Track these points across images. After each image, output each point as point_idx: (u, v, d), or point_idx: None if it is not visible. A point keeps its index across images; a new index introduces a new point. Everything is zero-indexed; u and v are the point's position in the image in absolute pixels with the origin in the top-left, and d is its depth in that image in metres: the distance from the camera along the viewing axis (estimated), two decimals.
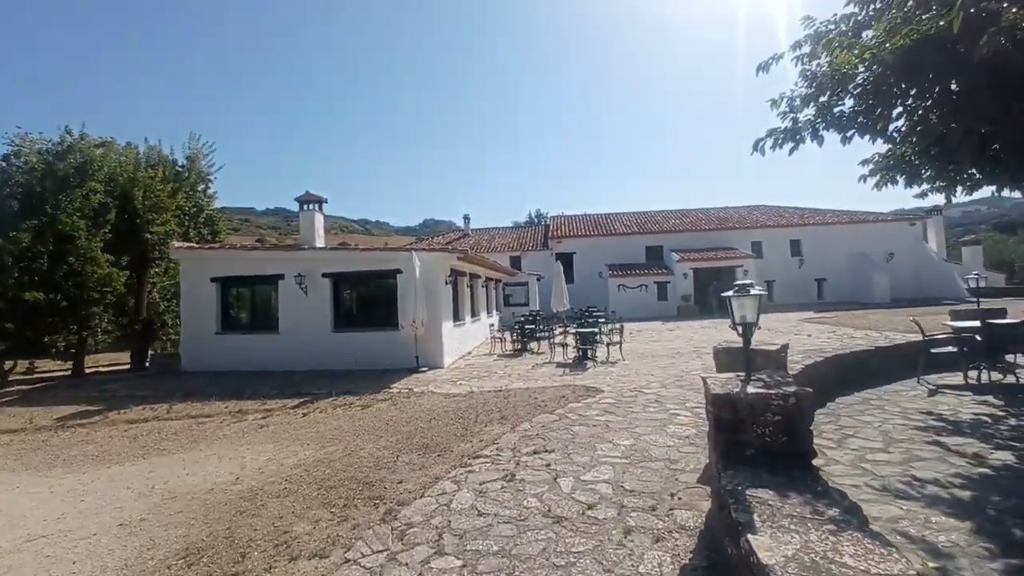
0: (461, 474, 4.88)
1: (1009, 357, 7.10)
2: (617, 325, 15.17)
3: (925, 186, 7.26)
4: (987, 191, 7.35)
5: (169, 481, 5.48)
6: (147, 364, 14.69)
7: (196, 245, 14.71)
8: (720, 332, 17.04)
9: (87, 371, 18.60)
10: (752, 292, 3.07)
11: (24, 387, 13.84)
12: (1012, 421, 5.65)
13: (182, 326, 14.11)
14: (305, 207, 14.42)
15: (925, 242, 30.60)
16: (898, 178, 7.32)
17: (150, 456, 6.56)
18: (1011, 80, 3.70)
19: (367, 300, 13.50)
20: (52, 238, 11.95)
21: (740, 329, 3.19)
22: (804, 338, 14.18)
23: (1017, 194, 7.32)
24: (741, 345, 3.29)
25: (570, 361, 12.35)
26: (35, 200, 11.97)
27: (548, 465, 4.93)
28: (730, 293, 3.19)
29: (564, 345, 13.23)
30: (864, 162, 7.70)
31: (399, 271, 12.18)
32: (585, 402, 7.65)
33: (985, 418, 5.81)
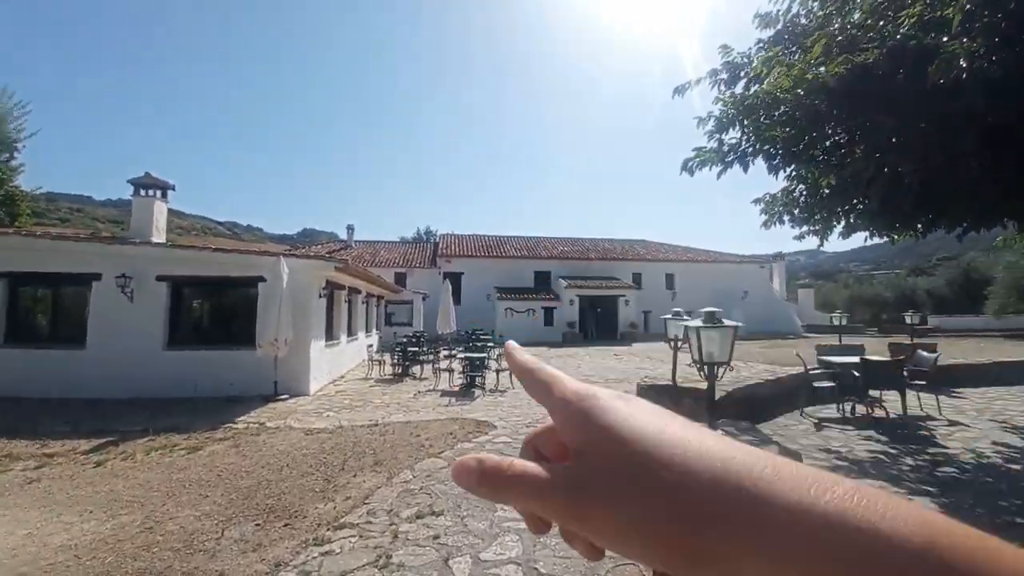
0: (314, 558, 3.54)
1: (874, 392, 7.55)
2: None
3: (804, 228, 7.59)
4: (812, 242, 7.88)
5: None
6: None
7: None
8: (607, 360, 17.20)
9: None
10: (724, 324, 2.37)
11: None
12: (909, 460, 5.77)
13: None
14: (143, 192, 11.64)
15: (771, 283, 34.84)
16: (785, 218, 7.55)
17: None
18: (954, 121, 3.61)
19: (216, 312, 11.16)
20: None
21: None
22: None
23: (828, 247, 7.98)
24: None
25: (456, 389, 11.28)
26: None
27: (436, 537, 3.78)
28: (693, 323, 2.44)
29: (450, 371, 12.13)
30: (756, 201, 7.87)
31: (261, 279, 10.21)
32: (477, 441, 6.62)
33: (881, 456, 5.89)
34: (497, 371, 11.74)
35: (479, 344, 15.18)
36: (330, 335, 12.75)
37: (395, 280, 26.14)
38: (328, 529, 3.97)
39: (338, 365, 13.29)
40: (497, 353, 13.81)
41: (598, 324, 27.98)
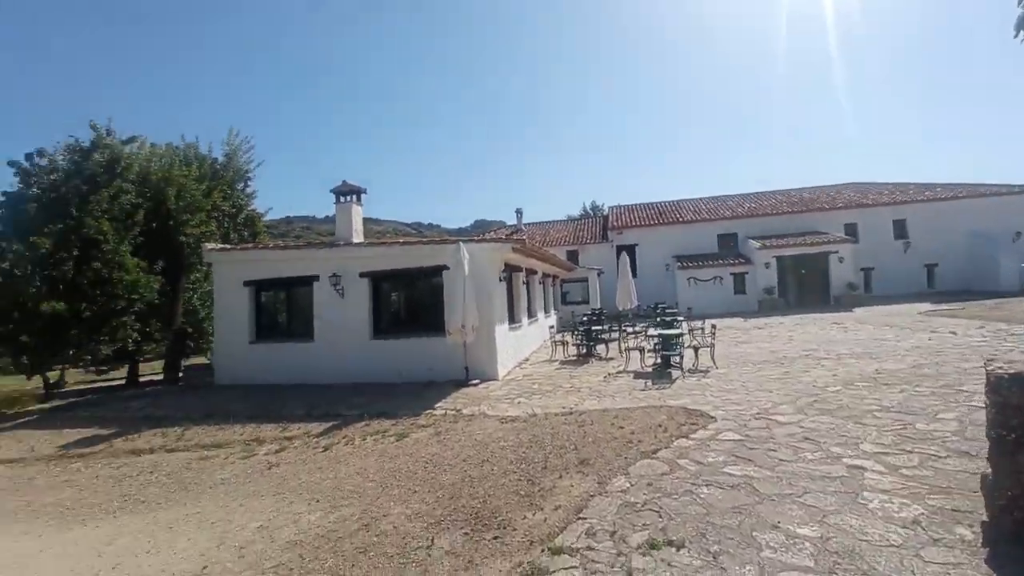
0: None
1: None
2: (700, 324, 12.78)
3: None
4: None
5: (120, 565, 3.86)
6: (180, 376, 13.81)
7: (227, 246, 13.63)
8: (828, 330, 14.20)
9: (141, 381, 18.27)
10: None
11: (61, 401, 13.24)
12: None
13: (215, 335, 13.04)
14: (341, 199, 12.97)
15: None
16: None
17: (123, 513, 5.03)
18: None
19: (410, 302, 11.84)
20: (77, 242, 11.10)
21: None
22: (949, 336, 11.22)
23: None
24: None
25: (648, 369, 10.14)
26: (59, 201, 11.16)
27: None
28: None
29: (640, 350, 11.01)
30: None
31: (445, 267, 10.41)
32: (697, 438, 5.47)
33: None
34: (695, 348, 10.26)
35: (667, 319, 13.72)
36: (512, 318, 12.66)
37: (567, 258, 25.70)
38: (543, 550, 3.32)
39: (522, 348, 13.19)
40: (689, 327, 12.25)
41: (802, 288, 23.81)
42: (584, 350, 12.92)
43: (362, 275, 11.27)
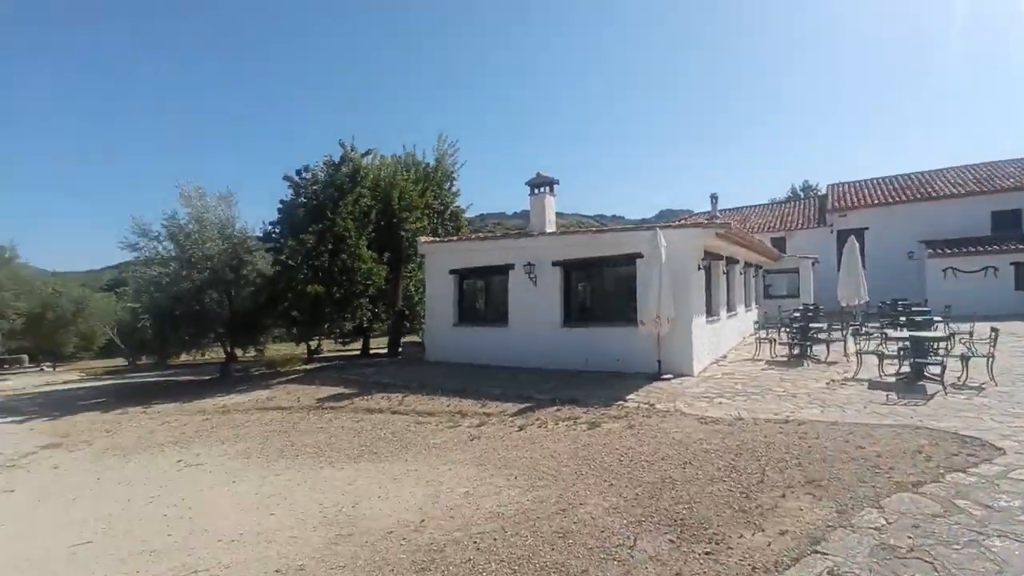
0: None
1: None
2: (969, 327, 9.97)
3: None
4: None
5: (359, 504, 4.53)
6: (399, 351, 16.04)
7: (436, 239, 15.31)
8: None
9: (371, 352, 21.87)
10: None
11: (320, 364, 16.50)
12: None
13: (426, 317, 14.78)
14: (535, 191, 13.48)
15: None
16: None
17: (361, 460, 5.95)
18: None
19: (601, 291, 11.68)
20: (331, 239, 13.70)
21: None
22: None
23: None
24: None
25: (890, 380, 8.23)
26: (319, 207, 13.93)
27: None
28: None
29: (878, 355, 8.99)
30: None
31: (639, 255, 9.99)
32: (980, 474, 4.17)
33: None
34: (964, 358, 7.98)
35: (916, 320, 11.01)
36: (710, 310, 11.62)
37: (771, 245, 22.67)
38: None
39: (719, 343, 12.01)
40: (950, 332, 9.62)
41: None
42: (797, 350, 11.16)
43: (554, 264, 11.51)
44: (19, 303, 19.64)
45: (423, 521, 4.05)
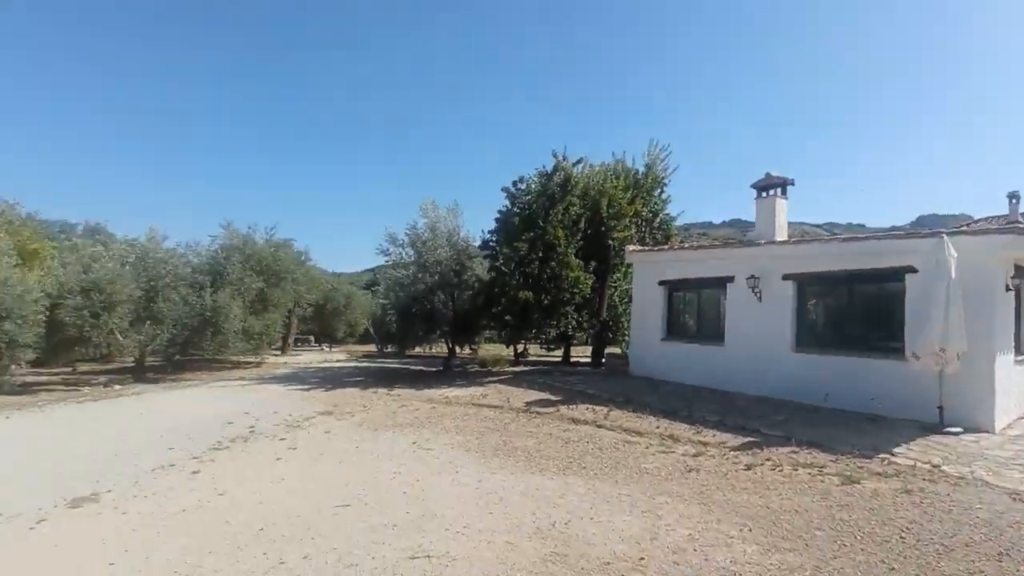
0: None
1: None
2: None
3: None
4: None
5: (571, 522, 4.38)
6: (602, 362, 15.81)
7: (645, 247, 14.69)
8: None
9: (572, 360, 22.24)
10: None
11: (526, 367, 17.35)
12: None
13: (631, 329, 14.28)
14: (763, 194, 11.85)
15: None
16: None
17: (569, 472, 5.85)
18: None
19: (850, 312, 9.61)
20: (541, 247, 14.29)
21: None
22: None
23: None
24: None
25: None
26: (532, 216, 14.68)
27: None
28: None
29: None
30: None
31: (910, 269, 7.92)
32: None
33: None
34: None
35: None
36: (1020, 347, 8.62)
37: None
38: None
39: None
40: None
41: None
42: None
43: (785, 277, 9.92)
44: (310, 296, 25.46)
45: (642, 559, 3.68)
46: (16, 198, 19.62)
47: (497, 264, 15.50)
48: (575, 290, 14.33)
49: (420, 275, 15.76)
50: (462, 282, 16.84)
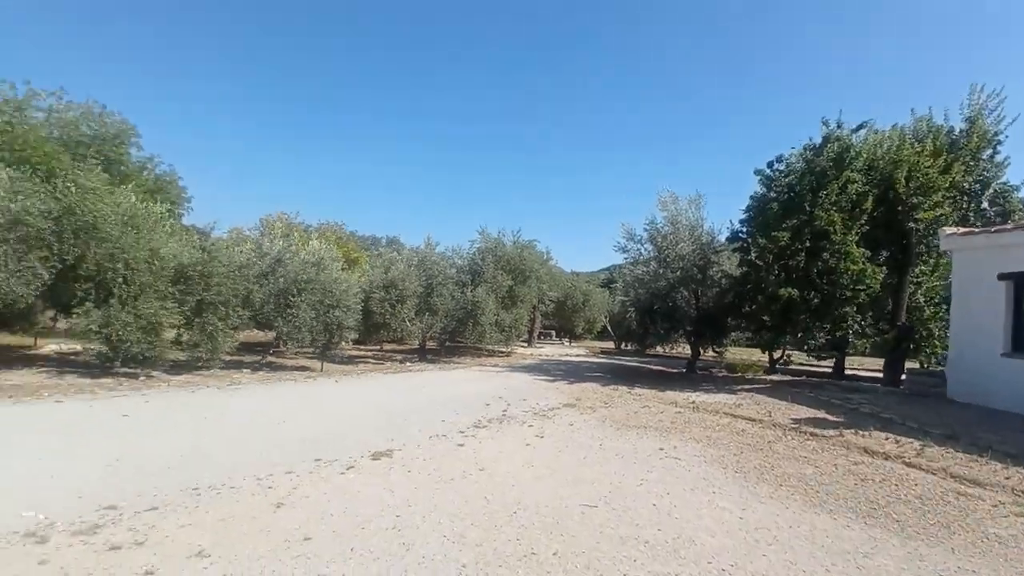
0: None
1: None
2: None
3: None
4: None
5: None
6: (901, 380, 12.32)
7: (974, 229, 10.85)
8: None
9: (846, 373, 18.29)
10: None
11: (785, 376, 14.88)
12: None
13: (950, 339, 10.76)
14: None
15: None
16: None
17: (873, 523, 4.49)
18: None
19: None
20: (808, 235, 11.93)
21: None
22: None
23: None
24: None
25: None
26: (794, 200, 12.36)
27: None
28: None
29: None
30: None
31: None
32: None
33: None
34: None
35: None
36: None
37: None
38: None
39: None
40: None
41: None
42: None
43: None
44: (551, 292, 27.11)
45: None
46: (342, 220, 26.03)
47: (749, 258, 13.66)
48: (859, 287, 11.54)
49: (661, 271, 15.01)
50: (707, 278, 15.43)
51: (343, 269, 17.66)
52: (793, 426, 8.15)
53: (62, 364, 11.57)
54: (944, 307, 15.77)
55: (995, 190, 13.02)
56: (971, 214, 12.91)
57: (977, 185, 13.00)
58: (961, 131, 13.12)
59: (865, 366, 21.98)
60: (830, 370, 19.02)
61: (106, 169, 20.18)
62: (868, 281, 11.45)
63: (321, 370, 14.03)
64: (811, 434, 7.69)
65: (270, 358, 16.27)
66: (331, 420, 7.73)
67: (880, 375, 13.96)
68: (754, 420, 8.63)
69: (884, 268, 12.04)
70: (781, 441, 7.30)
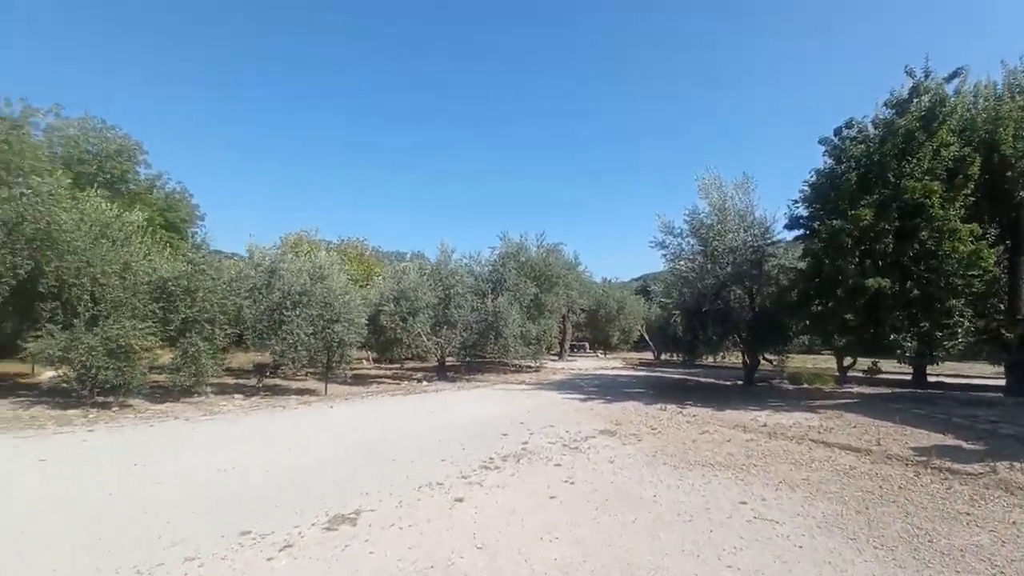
0: None
1: None
2: None
3: None
4: None
5: None
6: None
7: None
8: None
9: (942, 382, 15.53)
10: None
11: (865, 389, 12.44)
12: None
13: None
14: None
15: None
16: None
17: None
18: None
19: None
20: (896, 211, 9.65)
21: None
22: None
23: None
24: None
25: None
26: (873, 171, 10.11)
27: None
28: None
29: None
30: None
31: None
32: None
33: None
34: None
35: None
36: None
37: None
38: None
39: None
40: None
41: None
42: None
43: None
44: (582, 300, 25.09)
45: None
46: (364, 236, 24.88)
47: (815, 247, 11.38)
48: (970, 272, 9.16)
49: (709, 267, 12.86)
50: (763, 274, 13.19)
51: (360, 285, 16.26)
52: (919, 459, 5.95)
53: (48, 394, 10.28)
54: None
55: None
56: None
57: None
58: None
59: (949, 372, 18.88)
60: (912, 378, 16.31)
61: (112, 187, 19.60)
62: (984, 265, 9.05)
63: (325, 393, 12.48)
64: (949, 471, 5.50)
65: (276, 380, 14.90)
66: (300, 463, 6.01)
67: (1002, 385, 11.33)
68: (860, 451, 6.46)
69: (997, 249, 9.63)
70: (914, 485, 5.14)
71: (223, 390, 12.52)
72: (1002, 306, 10.64)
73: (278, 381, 14.90)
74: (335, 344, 11.66)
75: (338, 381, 12.66)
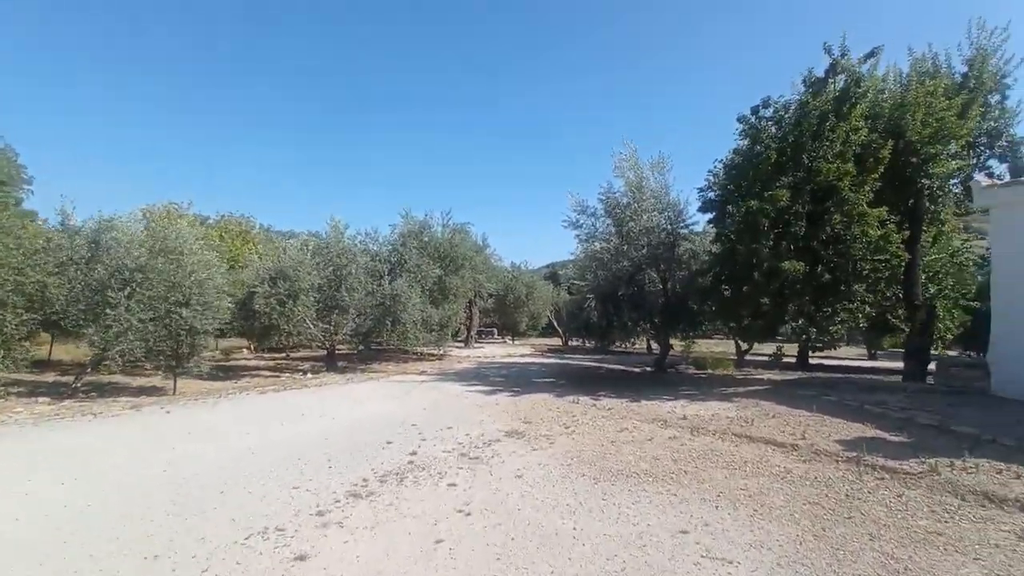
0: None
1: None
2: None
3: None
4: None
5: None
6: (928, 374, 10.17)
7: (1021, 180, 8.75)
8: None
9: (823, 364, 16.39)
10: None
11: (775, 375, 12.50)
12: None
13: (993, 320, 8.55)
14: None
15: None
16: None
17: None
18: None
19: None
20: (809, 195, 9.45)
21: None
22: None
23: None
24: None
25: None
26: (789, 151, 9.86)
27: None
28: None
29: None
30: None
31: None
32: None
33: None
34: None
35: None
36: None
37: None
38: None
39: None
40: None
41: None
42: None
43: None
44: (489, 284, 23.92)
45: None
46: (252, 215, 21.79)
47: (726, 231, 11.01)
48: (877, 258, 9.14)
49: (624, 248, 12.13)
50: (675, 257, 12.77)
51: (241, 266, 13.63)
52: (848, 454, 5.38)
53: None
54: (947, 282, 14.10)
55: (1007, 141, 11.08)
56: (978, 169, 10.96)
57: (983, 137, 11.08)
58: (961, 74, 11.14)
59: (823, 355, 20.25)
60: (802, 362, 17.15)
61: None
62: (892, 249, 9.05)
63: (174, 392, 10.08)
64: (885, 469, 4.94)
65: (117, 377, 12.03)
66: (46, 517, 4.09)
67: (852, 364, 11.84)
68: (787, 447, 5.81)
69: (902, 234, 9.75)
70: (861, 492, 4.44)
71: (33, 390, 9.75)
72: (899, 293, 10.96)
73: (118, 378, 12.06)
74: (183, 332, 9.31)
75: (193, 376, 10.29)
